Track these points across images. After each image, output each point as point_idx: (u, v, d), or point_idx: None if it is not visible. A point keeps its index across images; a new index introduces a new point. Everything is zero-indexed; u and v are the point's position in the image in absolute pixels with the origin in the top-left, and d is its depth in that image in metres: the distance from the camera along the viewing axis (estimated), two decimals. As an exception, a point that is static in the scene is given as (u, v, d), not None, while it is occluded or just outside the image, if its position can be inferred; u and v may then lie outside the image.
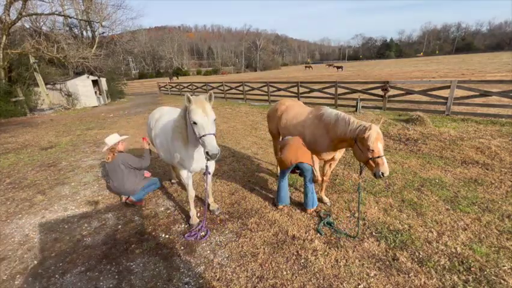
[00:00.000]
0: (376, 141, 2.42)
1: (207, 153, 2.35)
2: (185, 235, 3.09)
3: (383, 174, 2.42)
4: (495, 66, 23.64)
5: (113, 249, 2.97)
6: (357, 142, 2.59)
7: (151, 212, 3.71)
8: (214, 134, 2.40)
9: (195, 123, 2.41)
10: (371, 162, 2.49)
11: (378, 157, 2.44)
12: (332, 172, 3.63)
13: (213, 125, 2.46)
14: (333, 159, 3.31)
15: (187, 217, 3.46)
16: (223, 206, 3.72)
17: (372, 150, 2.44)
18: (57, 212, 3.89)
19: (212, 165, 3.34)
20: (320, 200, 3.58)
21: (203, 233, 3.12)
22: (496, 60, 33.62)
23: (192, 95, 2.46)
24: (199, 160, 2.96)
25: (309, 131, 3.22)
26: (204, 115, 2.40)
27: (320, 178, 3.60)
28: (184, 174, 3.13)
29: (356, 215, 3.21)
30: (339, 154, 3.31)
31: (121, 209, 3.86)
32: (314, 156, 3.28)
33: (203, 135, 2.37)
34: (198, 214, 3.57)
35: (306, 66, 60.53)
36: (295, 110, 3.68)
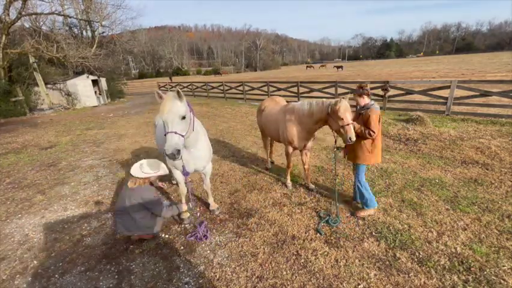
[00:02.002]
0: (345, 112, 2.90)
1: (164, 151, 2.26)
2: (187, 236, 3.09)
3: (350, 139, 2.87)
4: (495, 66, 23.64)
5: (113, 249, 2.97)
6: (330, 115, 3.06)
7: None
8: (175, 133, 2.25)
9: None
10: (341, 130, 2.95)
11: (347, 125, 2.89)
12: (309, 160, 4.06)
13: (180, 123, 2.31)
14: (305, 147, 3.82)
15: (180, 212, 3.47)
16: (223, 206, 3.72)
17: (342, 119, 2.90)
18: (57, 212, 3.89)
19: (209, 168, 3.34)
20: (307, 187, 4.04)
21: (203, 231, 3.12)
22: (496, 60, 33.62)
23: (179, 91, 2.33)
24: (189, 161, 2.92)
25: (283, 125, 3.73)
26: (167, 113, 2.27)
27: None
28: (177, 175, 3.14)
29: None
30: (310, 143, 3.84)
31: (120, 208, 3.86)
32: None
33: (165, 134, 2.30)
34: (198, 214, 3.57)
35: (307, 66, 60.94)
36: (271, 107, 4.28)
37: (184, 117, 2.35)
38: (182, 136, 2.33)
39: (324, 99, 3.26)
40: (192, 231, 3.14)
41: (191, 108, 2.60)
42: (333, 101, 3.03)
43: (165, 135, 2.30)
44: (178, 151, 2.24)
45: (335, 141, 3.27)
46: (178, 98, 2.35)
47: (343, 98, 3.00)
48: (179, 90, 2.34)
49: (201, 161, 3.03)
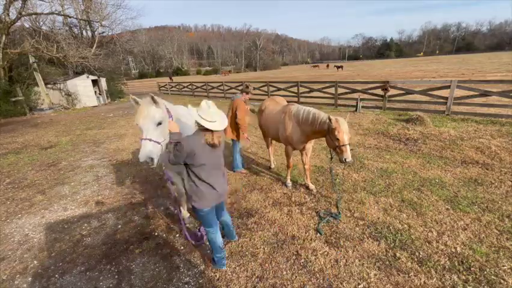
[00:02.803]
0: (342, 133, 2.90)
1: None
2: (187, 236, 3.09)
3: (345, 159, 2.92)
4: (495, 66, 23.64)
5: (113, 249, 2.97)
6: (328, 133, 3.06)
7: (151, 212, 3.71)
8: (150, 140, 2.20)
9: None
10: (337, 149, 2.99)
11: (343, 145, 2.91)
12: (309, 159, 4.06)
13: (156, 129, 2.25)
14: (304, 148, 3.80)
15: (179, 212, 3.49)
16: (223, 206, 3.72)
17: (338, 139, 2.92)
18: (57, 212, 3.89)
19: None
20: (307, 187, 4.01)
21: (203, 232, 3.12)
22: (496, 60, 33.62)
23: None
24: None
25: (282, 126, 3.72)
26: (142, 119, 2.22)
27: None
28: (172, 175, 3.13)
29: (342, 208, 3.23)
30: (310, 144, 3.83)
31: (121, 209, 3.86)
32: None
33: (140, 139, 2.24)
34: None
35: (313, 66, 61.63)
36: (271, 107, 4.28)
37: (160, 123, 2.27)
38: (159, 143, 2.26)
39: (322, 114, 3.19)
40: (192, 231, 3.14)
41: (170, 114, 2.50)
42: (333, 118, 2.97)
43: (140, 141, 2.24)
44: (152, 159, 2.20)
45: (331, 157, 3.44)
46: (153, 103, 2.27)
47: (342, 118, 2.95)
48: (153, 95, 2.27)
49: None
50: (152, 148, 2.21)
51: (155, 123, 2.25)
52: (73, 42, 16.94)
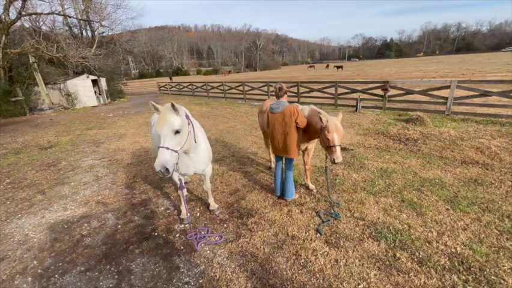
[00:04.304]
0: (332, 132, 2.81)
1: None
2: (187, 236, 3.09)
3: (334, 160, 2.83)
4: (495, 66, 23.63)
5: (113, 249, 2.97)
6: (321, 131, 2.97)
7: (151, 212, 3.71)
8: (167, 148, 2.16)
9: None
10: (328, 149, 2.93)
11: (333, 146, 2.83)
12: (310, 160, 4.03)
13: (173, 138, 2.22)
14: (306, 148, 3.73)
15: (179, 212, 3.53)
16: (223, 206, 3.72)
17: (328, 139, 2.84)
18: (57, 212, 3.89)
19: (209, 170, 3.33)
20: (307, 187, 4.00)
21: (204, 232, 3.12)
22: (496, 60, 33.62)
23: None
24: (189, 165, 2.92)
25: None
26: (160, 126, 2.20)
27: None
28: (175, 177, 3.13)
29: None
30: (312, 144, 3.72)
31: (121, 209, 3.86)
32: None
33: (158, 147, 2.22)
34: (198, 214, 3.58)
35: (309, 66, 62.13)
36: None
37: (178, 132, 2.26)
38: (176, 152, 2.21)
39: (324, 113, 2.99)
40: (192, 232, 3.14)
41: (190, 120, 2.52)
42: (323, 117, 2.84)
43: (158, 148, 2.21)
44: (167, 170, 2.12)
45: (326, 157, 3.22)
46: (173, 110, 2.26)
47: (335, 117, 2.90)
48: (174, 103, 2.25)
49: (200, 164, 3.03)
50: (169, 157, 2.15)
51: (174, 132, 2.23)
52: (73, 42, 16.96)
